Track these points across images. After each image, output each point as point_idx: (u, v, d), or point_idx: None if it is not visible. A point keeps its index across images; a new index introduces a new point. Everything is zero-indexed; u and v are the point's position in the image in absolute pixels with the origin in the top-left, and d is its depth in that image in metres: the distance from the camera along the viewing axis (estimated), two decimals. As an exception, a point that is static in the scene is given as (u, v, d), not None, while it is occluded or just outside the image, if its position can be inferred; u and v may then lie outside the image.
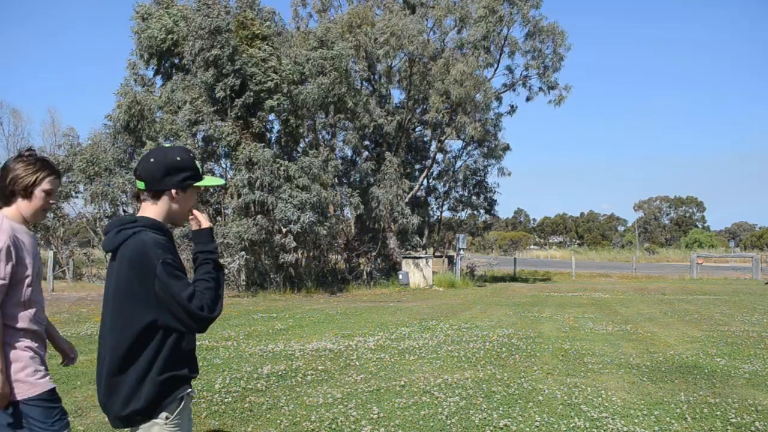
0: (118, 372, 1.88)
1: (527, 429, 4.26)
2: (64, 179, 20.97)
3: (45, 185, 2.28)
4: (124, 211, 20.45)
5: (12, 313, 2.22)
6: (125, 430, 2.00)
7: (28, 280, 2.24)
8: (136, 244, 1.85)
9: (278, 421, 4.42)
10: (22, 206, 2.27)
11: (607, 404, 4.87)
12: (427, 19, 20.96)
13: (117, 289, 1.88)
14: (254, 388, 5.36)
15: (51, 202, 2.32)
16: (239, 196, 15.78)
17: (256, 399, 5.00)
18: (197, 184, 2.01)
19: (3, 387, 2.13)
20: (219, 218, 17.13)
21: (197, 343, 7.29)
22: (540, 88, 22.52)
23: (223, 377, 5.76)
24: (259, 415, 4.59)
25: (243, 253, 15.41)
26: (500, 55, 21.91)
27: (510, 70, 22.76)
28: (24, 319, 2.24)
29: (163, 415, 1.90)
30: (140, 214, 1.97)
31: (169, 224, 2.02)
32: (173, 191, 1.95)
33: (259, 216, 15.54)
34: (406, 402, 4.91)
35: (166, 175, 1.92)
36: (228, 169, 17.57)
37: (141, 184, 1.95)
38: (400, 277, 18.75)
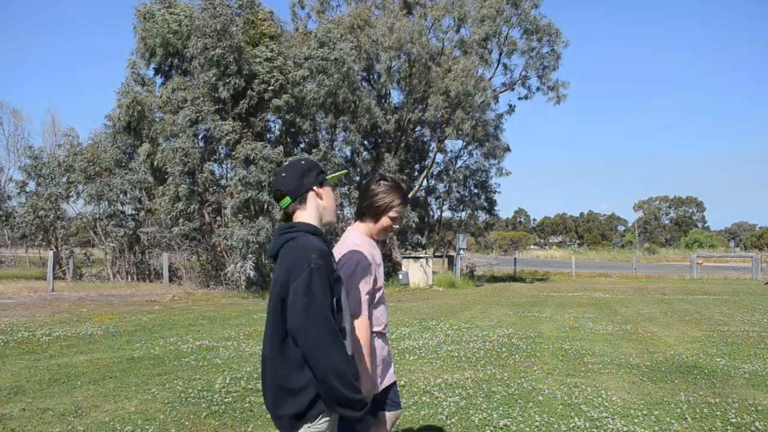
0: (277, 373, 1.92)
1: (527, 429, 4.26)
2: (63, 179, 20.98)
3: (392, 213, 2.51)
4: (123, 211, 20.48)
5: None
6: None
7: (380, 291, 2.51)
8: (295, 247, 1.93)
9: (278, 421, 4.41)
10: (370, 224, 2.53)
11: (607, 404, 4.87)
12: (425, 19, 20.97)
13: (274, 290, 1.95)
14: (254, 388, 5.36)
15: (395, 226, 2.55)
16: (236, 195, 15.76)
17: (256, 399, 5.00)
18: (329, 177, 2.15)
19: (372, 389, 2.40)
20: (219, 218, 17.13)
21: (199, 342, 7.20)
22: (538, 88, 22.54)
23: (223, 377, 5.76)
24: (259, 415, 4.58)
25: (252, 257, 15.36)
26: (500, 55, 21.94)
27: (509, 69, 22.78)
28: (378, 322, 2.51)
29: (307, 425, 1.91)
30: (296, 220, 2.08)
31: (324, 226, 2.12)
32: (315, 188, 2.08)
33: (261, 218, 15.52)
34: (406, 402, 4.91)
35: (302, 178, 2.07)
36: (228, 169, 17.57)
37: (286, 201, 2.07)
38: (400, 277, 18.75)
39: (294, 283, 1.86)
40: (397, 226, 2.53)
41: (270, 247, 2.05)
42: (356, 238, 2.47)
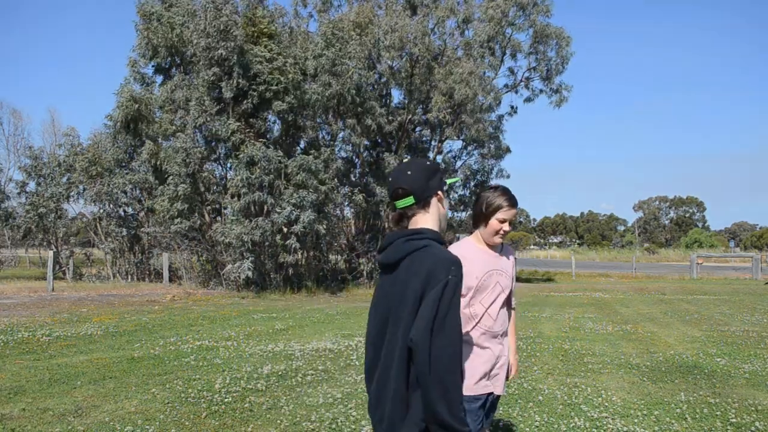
0: (396, 391, 1.76)
1: (527, 429, 4.26)
2: (64, 179, 20.96)
3: (500, 215, 2.54)
4: (125, 211, 20.48)
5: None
6: None
7: (469, 293, 2.50)
8: (432, 255, 1.73)
9: (278, 421, 4.42)
10: (482, 230, 2.58)
11: (607, 404, 4.87)
12: (429, 19, 20.96)
13: (402, 300, 1.74)
14: (254, 388, 5.36)
15: (504, 228, 2.55)
16: (239, 196, 15.73)
17: (256, 399, 5.00)
18: (448, 181, 2.00)
19: None
20: (219, 218, 17.12)
21: (199, 342, 7.20)
22: (542, 90, 22.58)
23: (223, 377, 5.76)
24: (259, 415, 4.59)
25: (251, 257, 15.34)
26: (503, 57, 21.95)
27: (512, 71, 22.81)
28: (469, 326, 2.52)
29: None
30: (416, 226, 1.85)
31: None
32: (439, 193, 1.88)
33: (259, 218, 15.50)
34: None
35: (430, 179, 1.86)
36: (228, 169, 17.55)
37: (407, 201, 1.84)
38: (401, 276, 18.71)
39: (429, 293, 1.67)
40: (507, 228, 2.51)
41: (391, 251, 1.81)
42: (462, 243, 2.62)
